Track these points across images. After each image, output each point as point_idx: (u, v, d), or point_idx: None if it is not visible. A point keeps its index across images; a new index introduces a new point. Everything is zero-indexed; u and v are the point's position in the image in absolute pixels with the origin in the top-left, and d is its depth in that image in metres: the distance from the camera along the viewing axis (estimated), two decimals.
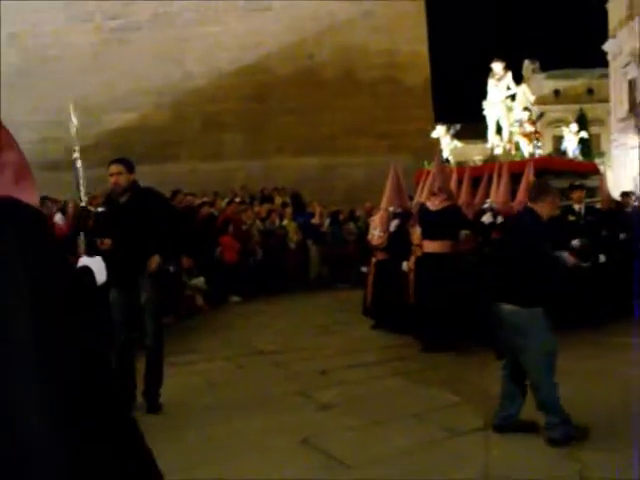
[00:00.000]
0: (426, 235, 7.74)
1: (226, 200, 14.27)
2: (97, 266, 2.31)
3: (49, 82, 17.60)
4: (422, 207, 8.02)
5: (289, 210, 14.33)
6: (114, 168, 5.44)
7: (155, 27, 18.67)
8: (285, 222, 13.96)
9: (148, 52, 18.33)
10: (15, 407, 1.62)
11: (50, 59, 18.28)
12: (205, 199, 13.81)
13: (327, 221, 14.49)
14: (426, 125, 18.84)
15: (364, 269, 9.46)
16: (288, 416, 5.35)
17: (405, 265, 8.34)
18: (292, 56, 18.72)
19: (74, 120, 3.31)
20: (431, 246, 7.63)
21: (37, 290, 1.61)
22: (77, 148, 3.07)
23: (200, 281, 11.03)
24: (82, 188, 3.05)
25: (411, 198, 9.73)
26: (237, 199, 14.74)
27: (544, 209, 4.74)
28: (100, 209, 6.23)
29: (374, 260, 9.07)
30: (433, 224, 7.63)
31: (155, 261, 5.43)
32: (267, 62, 18.73)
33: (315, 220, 14.20)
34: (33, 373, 1.64)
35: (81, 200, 3.16)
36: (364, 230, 14.32)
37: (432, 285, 7.52)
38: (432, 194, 7.94)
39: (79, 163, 3.07)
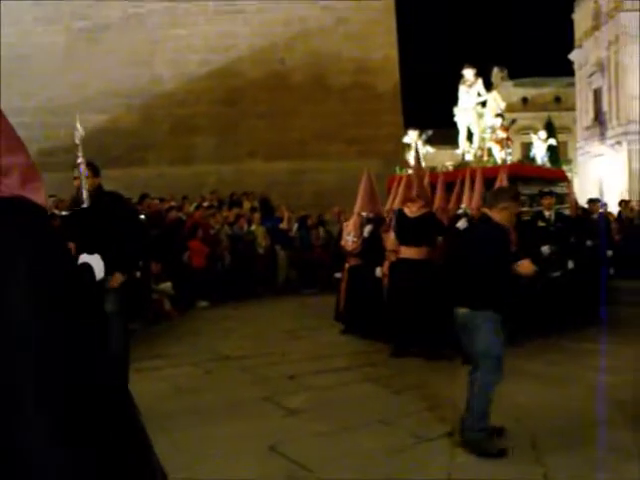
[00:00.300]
0: (403, 241, 7.74)
1: (194, 205, 14.18)
2: (96, 263, 2.37)
3: (19, 83, 17.32)
4: (399, 213, 8.00)
5: (257, 215, 14.29)
6: (78, 172, 5.37)
7: (125, 28, 18.48)
8: (253, 227, 13.92)
9: (117, 54, 18.14)
10: (15, 404, 1.63)
11: (18, 59, 17.97)
12: (173, 203, 13.72)
13: (295, 226, 14.47)
14: (396, 130, 18.99)
15: (337, 275, 9.40)
16: (256, 422, 5.32)
17: (379, 271, 8.35)
18: (263, 60, 18.69)
19: (79, 128, 3.42)
20: (408, 252, 7.64)
21: (38, 286, 1.65)
22: (80, 154, 3.20)
23: (167, 286, 10.93)
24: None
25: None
26: (205, 203, 14.66)
27: (501, 216, 4.70)
28: (64, 213, 6.16)
29: (347, 266, 9.06)
30: (411, 230, 7.65)
31: (116, 280, 5.33)
32: (238, 66, 18.67)
33: (283, 225, 14.18)
34: (34, 369, 1.65)
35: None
36: (333, 235, 14.39)
37: (406, 291, 7.52)
38: (410, 200, 7.93)
39: (82, 168, 3.21)
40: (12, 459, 1.63)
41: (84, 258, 2.37)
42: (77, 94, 17.60)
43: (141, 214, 10.49)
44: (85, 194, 3.03)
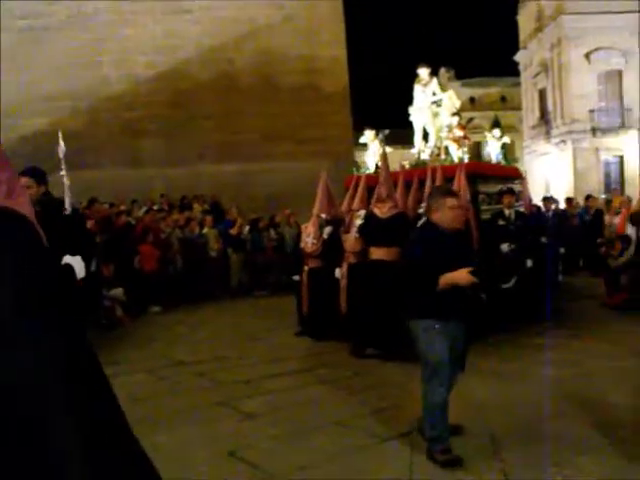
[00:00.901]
0: (374, 242, 7.67)
1: (144, 209, 13.98)
2: (77, 264, 2.50)
3: None
4: (369, 214, 7.94)
5: (209, 218, 14.16)
6: (22, 181, 5.20)
7: (71, 28, 18.06)
8: (205, 230, 13.79)
9: (64, 54, 17.73)
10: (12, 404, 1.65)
11: None
12: (122, 207, 13.51)
13: (247, 228, 14.38)
14: (345, 131, 19.06)
15: (296, 278, 9.29)
16: (213, 427, 5.25)
17: (338, 272, 8.30)
18: (211, 60, 18.53)
19: (62, 144, 3.74)
20: (379, 253, 7.55)
21: (25, 286, 1.72)
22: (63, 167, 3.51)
23: (119, 292, 10.73)
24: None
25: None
26: (155, 207, 14.48)
27: (437, 216, 4.46)
28: None
29: (306, 268, 8.98)
30: (382, 231, 7.57)
31: None
32: (186, 67, 18.47)
33: (233, 231, 14.03)
34: (35, 370, 1.68)
35: None
36: (285, 237, 14.35)
37: (375, 292, 7.43)
38: (380, 201, 7.88)
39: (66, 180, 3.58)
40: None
41: (66, 259, 2.47)
42: (21, 96, 17.19)
43: (90, 219, 10.28)
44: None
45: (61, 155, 4.05)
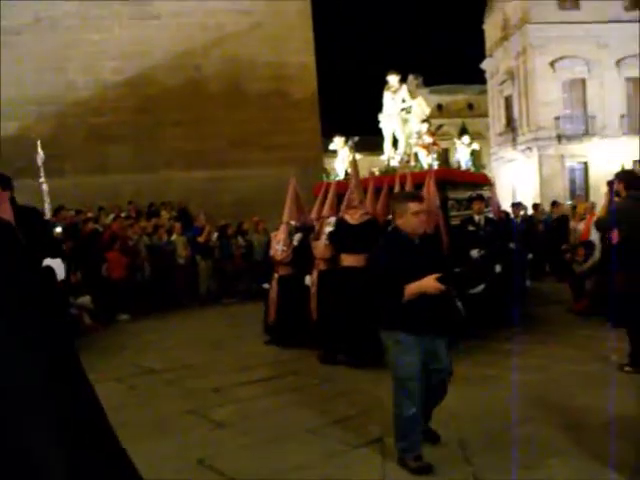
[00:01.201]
0: (345, 249, 7.62)
1: (111, 216, 13.84)
2: (58, 266, 2.59)
3: None
4: (340, 221, 7.90)
5: (178, 225, 14.07)
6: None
7: (37, 32, 17.79)
8: (174, 237, 13.70)
9: (30, 58, 17.46)
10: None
11: None
12: (89, 215, 13.37)
13: (215, 235, 14.31)
14: (314, 138, 19.08)
15: (266, 285, 9.20)
16: (183, 436, 5.21)
17: (308, 279, 8.28)
18: (179, 67, 18.42)
19: (41, 152, 4.00)
20: (350, 260, 7.49)
21: (4, 288, 1.77)
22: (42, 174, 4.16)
23: (86, 300, 10.62)
24: None
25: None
26: (123, 214, 14.35)
27: (402, 221, 4.34)
28: None
29: (276, 275, 8.92)
30: (354, 238, 7.51)
31: None
32: (153, 73, 18.33)
33: (201, 239, 13.96)
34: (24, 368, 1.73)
35: None
36: (253, 244, 14.31)
37: (346, 299, 7.40)
38: (351, 207, 7.85)
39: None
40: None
41: (47, 262, 2.54)
42: None
43: (57, 226, 10.11)
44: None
45: (40, 163, 4.23)
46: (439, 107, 44.46)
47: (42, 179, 3.88)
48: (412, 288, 4.08)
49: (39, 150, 4.14)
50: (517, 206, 16.88)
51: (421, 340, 4.23)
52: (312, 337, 8.10)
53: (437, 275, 4.08)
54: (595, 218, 10.88)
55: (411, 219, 4.28)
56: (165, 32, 18.37)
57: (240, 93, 18.77)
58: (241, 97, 18.71)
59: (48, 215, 4.68)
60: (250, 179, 17.60)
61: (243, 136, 18.35)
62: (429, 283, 4.06)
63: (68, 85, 17.87)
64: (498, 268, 9.04)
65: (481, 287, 8.60)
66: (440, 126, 12.87)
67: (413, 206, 4.29)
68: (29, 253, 2.01)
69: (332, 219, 8.14)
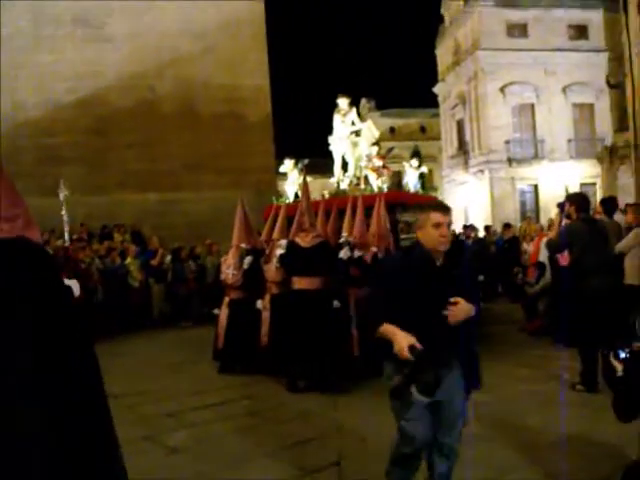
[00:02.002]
0: (296, 272, 7.55)
1: (61, 240, 13.55)
2: (75, 287, 2.77)
3: None
4: (291, 244, 7.82)
5: (132, 248, 13.89)
6: None
7: None
8: (128, 260, 13.50)
9: None
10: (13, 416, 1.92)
11: None
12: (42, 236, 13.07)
13: (168, 258, 14.16)
14: (268, 161, 19.11)
15: (216, 311, 8.98)
16: (136, 462, 5.06)
17: (259, 303, 8.21)
18: (132, 88, 18.30)
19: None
20: (303, 282, 7.45)
21: (41, 306, 2.05)
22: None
23: None
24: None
25: (259, 234, 9.64)
26: (74, 236, 14.09)
27: (424, 238, 3.57)
28: None
29: (227, 299, 8.76)
30: (305, 260, 7.46)
31: None
32: (106, 94, 18.17)
33: (155, 262, 13.79)
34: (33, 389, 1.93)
35: None
36: (206, 267, 14.16)
37: (301, 322, 7.36)
38: (302, 230, 7.78)
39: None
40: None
41: (66, 282, 2.60)
42: None
43: None
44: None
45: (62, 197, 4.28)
46: (392, 130, 45.03)
47: (64, 211, 3.96)
48: (387, 330, 3.37)
49: (62, 185, 4.15)
50: (469, 228, 17.12)
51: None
52: (262, 362, 8.01)
53: (413, 343, 3.25)
54: (546, 239, 11.11)
55: (431, 232, 3.53)
56: (118, 53, 18.26)
57: (194, 115, 18.73)
58: (195, 119, 18.67)
59: None
60: (203, 201, 17.53)
61: (197, 158, 18.29)
62: (401, 344, 3.26)
63: (18, 105, 17.57)
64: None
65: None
66: (391, 149, 12.97)
67: (435, 216, 3.55)
68: (59, 273, 2.28)
69: (283, 242, 8.08)
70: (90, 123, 17.88)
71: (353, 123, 10.41)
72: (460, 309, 3.39)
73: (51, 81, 17.80)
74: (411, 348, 3.22)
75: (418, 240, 3.62)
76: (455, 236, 11.14)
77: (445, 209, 3.66)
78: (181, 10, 18.76)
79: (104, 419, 2.15)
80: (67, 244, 12.58)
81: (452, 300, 3.37)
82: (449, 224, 3.58)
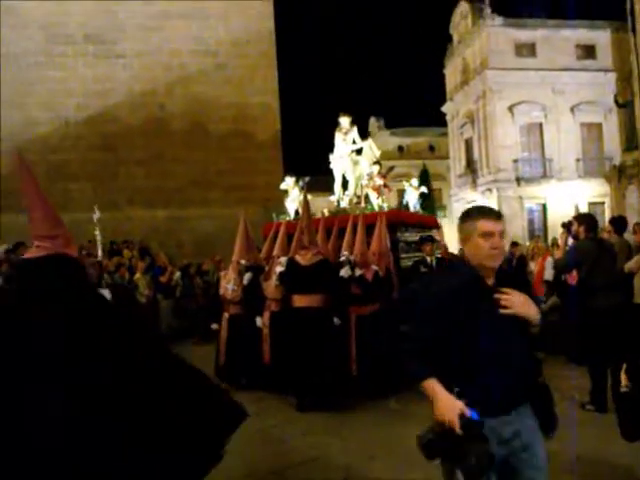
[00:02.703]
0: (296, 289, 7.51)
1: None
2: (107, 294, 3.36)
3: None
4: (291, 262, 7.77)
5: (141, 264, 13.91)
6: None
7: None
8: (137, 276, 13.51)
9: None
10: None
11: None
12: None
13: (177, 274, 14.19)
14: (276, 178, 19.13)
15: (214, 326, 8.92)
16: None
17: (259, 320, 8.15)
18: (142, 105, 18.44)
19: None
20: (303, 300, 7.41)
21: (74, 307, 2.66)
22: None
23: None
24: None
25: (259, 250, 9.60)
26: (83, 252, 14.12)
27: (470, 252, 2.85)
28: None
29: (227, 315, 8.66)
30: (305, 278, 7.43)
31: None
32: (116, 111, 18.32)
33: (163, 279, 13.81)
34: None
35: None
36: (212, 283, 14.15)
37: (301, 341, 7.30)
38: (302, 248, 7.74)
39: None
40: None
41: (101, 291, 3.16)
42: None
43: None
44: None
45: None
46: (400, 149, 45.10)
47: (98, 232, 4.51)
48: (430, 389, 2.65)
49: (96, 210, 4.64)
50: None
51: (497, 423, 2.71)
52: (264, 378, 7.94)
53: (462, 410, 2.55)
54: (550, 259, 11.05)
55: (480, 244, 2.80)
56: (129, 71, 18.42)
57: (203, 133, 18.84)
58: (204, 137, 18.78)
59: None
60: (210, 219, 17.58)
61: (205, 175, 18.38)
62: (448, 412, 2.56)
63: (28, 121, 17.72)
64: None
65: None
66: (391, 168, 12.89)
67: (484, 225, 2.81)
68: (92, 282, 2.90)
69: (283, 259, 8.03)
70: (99, 140, 18.01)
71: (354, 142, 10.40)
72: (516, 299, 2.72)
73: (62, 98, 17.95)
74: (460, 417, 2.51)
75: (462, 256, 2.97)
76: (453, 255, 11.06)
77: (497, 215, 2.89)
78: (191, 28, 18.94)
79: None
80: (100, 259, 12.73)
81: (502, 289, 2.74)
82: (502, 233, 2.83)
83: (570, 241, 7.64)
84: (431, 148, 46.94)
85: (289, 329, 7.56)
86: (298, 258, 7.73)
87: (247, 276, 8.60)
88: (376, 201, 9.86)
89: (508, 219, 32.51)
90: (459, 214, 3.04)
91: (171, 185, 18.18)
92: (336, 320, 7.58)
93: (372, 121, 44.43)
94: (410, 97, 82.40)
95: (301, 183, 10.79)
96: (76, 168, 17.79)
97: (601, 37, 33.08)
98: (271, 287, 8.02)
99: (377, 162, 10.29)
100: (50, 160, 17.69)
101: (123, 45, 18.53)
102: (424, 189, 11.72)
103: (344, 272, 7.95)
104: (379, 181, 9.98)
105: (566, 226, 7.86)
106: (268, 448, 5.83)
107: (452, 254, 11.10)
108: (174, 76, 18.81)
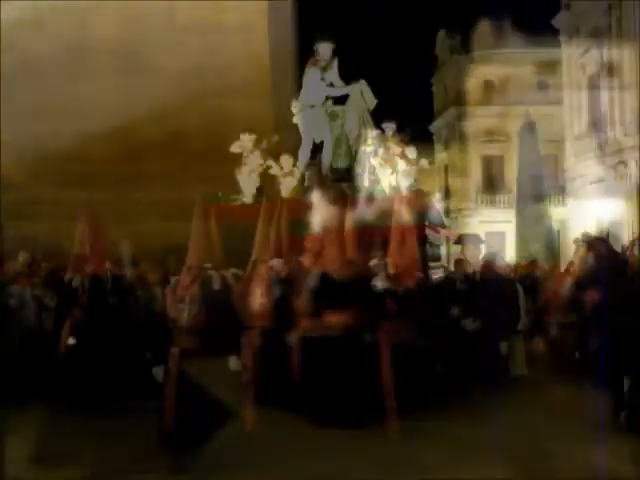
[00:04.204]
0: (328, 305, 7.03)
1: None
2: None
3: None
4: (322, 275, 7.29)
5: (156, 276, 13.86)
6: None
7: (21, 77, 17.86)
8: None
9: (10, 102, 17.39)
10: None
11: None
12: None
13: None
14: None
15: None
16: None
17: (289, 338, 7.51)
18: (163, 118, 18.46)
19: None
20: (333, 317, 6.94)
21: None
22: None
23: None
24: None
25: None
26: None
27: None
28: None
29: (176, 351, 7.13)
30: (338, 294, 6.96)
31: None
32: (137, 124, 18.35)
33: None
34: None
35: None
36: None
37: (328, 358, 6.95)
38: (334, 261, 7.34)
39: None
40: None
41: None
42: None
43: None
44: None
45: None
46: None
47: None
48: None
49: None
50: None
51: None
52: (293, 396, 7.44)
53: None
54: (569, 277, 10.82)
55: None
56: (151, 84, 18.48)
57: (221, 148, 18.78)
58: (222, 152, 18.71)
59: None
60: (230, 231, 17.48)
61: (224, 190, 18.30)
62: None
63: (50, 132, 17.82)
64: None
65: None
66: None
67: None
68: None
69: (315, 273, 7.47)
70: (121, 152, 18.06)
71: (332, 84, 8.34)
72: None
73: (84, 109, 18.06)
74: None
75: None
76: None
77: None
78: (212, 43, 19.01)
79: None
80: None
81: None
82: None
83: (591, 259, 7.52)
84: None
85: (319, 346, 7.06)
86: (330, 272, 7.11)
87: (276, 289, 7.99)
88: (388, 179, 8.01)
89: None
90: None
91: (189, 198, 18.08)
92: (367, 337, 7.04)
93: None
94: (399, 114, 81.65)
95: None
96: (97, 180, 17.84)
97: None
98: (301, 302, 7.32)
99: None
100: (71, 171, 17.71)
101: (147, 57, 18.64)
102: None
103: (379, 284, 7.22)
104: (394, 148, 8.24)
105: (588, 244, 7.75)
106: (290, 464, 5.77)
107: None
108: (195, 91, 18.82)
